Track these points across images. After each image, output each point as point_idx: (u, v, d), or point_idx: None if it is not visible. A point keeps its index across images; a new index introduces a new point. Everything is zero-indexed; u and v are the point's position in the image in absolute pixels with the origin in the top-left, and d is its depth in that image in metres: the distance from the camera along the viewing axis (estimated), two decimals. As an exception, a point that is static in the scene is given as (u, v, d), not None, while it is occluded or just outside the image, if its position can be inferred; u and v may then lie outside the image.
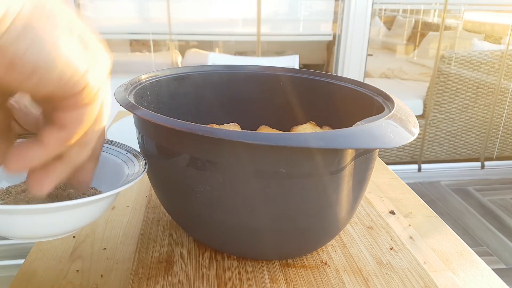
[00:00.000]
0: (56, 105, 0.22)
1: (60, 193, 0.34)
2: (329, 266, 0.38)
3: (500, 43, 2.33)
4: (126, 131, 0.71)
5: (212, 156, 0.30)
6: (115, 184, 0.32)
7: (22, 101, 0.33)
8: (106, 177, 0.34)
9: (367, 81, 2.26)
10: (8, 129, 0.28)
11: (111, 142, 0.37)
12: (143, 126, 0.35)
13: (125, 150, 0.36)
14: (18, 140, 0.33)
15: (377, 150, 0.36)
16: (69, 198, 0.32)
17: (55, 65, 0.20)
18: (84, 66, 0.21)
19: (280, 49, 2.32)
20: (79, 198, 0.29)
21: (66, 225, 0.28)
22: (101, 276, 0.36)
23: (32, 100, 0.25)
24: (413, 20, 2.70)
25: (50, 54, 0.20)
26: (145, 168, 0.33)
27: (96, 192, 0.34)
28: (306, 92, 0.49)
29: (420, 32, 2.63)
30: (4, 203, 0.31)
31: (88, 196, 0.33)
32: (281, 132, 0.46)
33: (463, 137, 2.24)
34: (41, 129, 0.23)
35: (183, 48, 2.14)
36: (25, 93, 0.22)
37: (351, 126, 0.30)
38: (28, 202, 0.32)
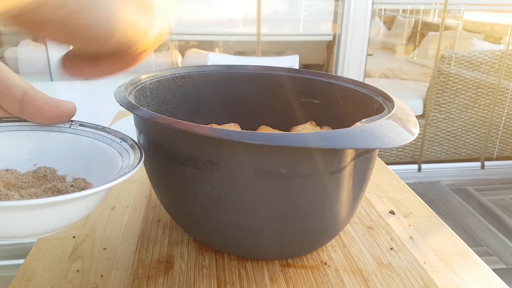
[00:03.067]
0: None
1: (46, 185, 0.31)
2: (329, 266, 0.38)
3: (500, 43, 2.33)
4: (126, 131, 0.71)
5: (212, 156, 0.30)
6: (106, 176, 0.29)
7: (3, 82, 0.30)
8: (97, 168, 0.31)
9: (367, 81, 2.26)
10: None
11: (103, 129, 0.34)
12: (143, 126, 0.35)
13: (120, 138, 0.32)
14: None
15: (377, 150, 0.36)
16: (57, 191, 0.30)
17: (114, 34, 0.21)
18: (142, 27, 0.22)
19: (280, 49, 2.32)
20: (67, 193, 0.26)
21: (48, 223, 0.25)
22: (101, 276, 0.36)
23: None
24: (413, 20, 2.70)
25: (110, 24, 0.20)
26: (140, 160, 0.29)
27: (85, 184, 0.31)
28: (306, 92, 0.49)
29: (420, 32, 2.63)
30: None
31: (77, 189, 0.30)
32: (281, 132, 0.46)
33: (463, 137, 2.24)
34: (100, 55, 0.24)
35: (183, 48, 2.14)
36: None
37: (351, 126, 0.30)
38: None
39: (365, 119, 0.32)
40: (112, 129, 0.33)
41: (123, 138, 0.32)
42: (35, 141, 0.32)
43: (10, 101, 0.30)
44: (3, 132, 0.32)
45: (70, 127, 0.33)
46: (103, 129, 0.33)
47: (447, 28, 2.35)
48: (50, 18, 0.19)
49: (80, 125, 0.33)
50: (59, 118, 0.31)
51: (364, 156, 0.33)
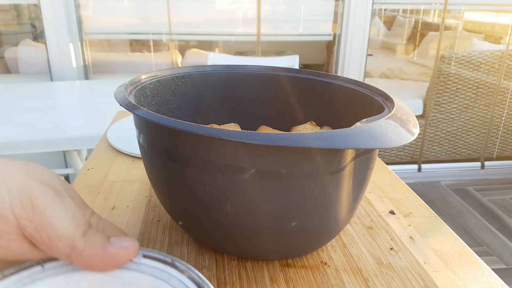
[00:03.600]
0: None
1: None
2: (329, 266, 0.38)
3: (500, 43, 2.33)
4: (126, 131, 0.71)
5: (212, 156, 0.30)
6: None
7: (45, 231, 0.24)
8: None
9: (367, 81, 2.26)
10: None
11: (173, 263, 0.26)
12: (143, 126, 0.35)
13: (194, 282, 0.25)
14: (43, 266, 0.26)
15: (377, 150, 0.36)
16: None
17: None
18: None
19: (280, 49, 2.33)
20: None
21: None
22: (101, 276, 0.36)
23: None
24: (413, 20, 2.70)
25: None
26: None
27: None
28: (306, 92, 0.49)
29: (420, 32, 2.63)
30: None
31: None
32: (281, 132, 0.46)
33: (463, 137, 2.24)
34: None
35: (183, 48, 2.14)
36: None
37: (351, 126, 0.30)
38: None
39: (365, 119, 0.32)
40: (183, 263, 0.26)
41: (199, 283, 0.25)
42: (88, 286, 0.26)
43: (55, 254, 0.25)
44: (51, 277, 0.26)
45: (131, 260, 0.27)
46: (172, 263, 0.27)
47: (447, 28, 2.35)
48: None
49: (144, 256, 0.27)
50: (118, 266, 0.26)
51: (364, 156, 0.33)
